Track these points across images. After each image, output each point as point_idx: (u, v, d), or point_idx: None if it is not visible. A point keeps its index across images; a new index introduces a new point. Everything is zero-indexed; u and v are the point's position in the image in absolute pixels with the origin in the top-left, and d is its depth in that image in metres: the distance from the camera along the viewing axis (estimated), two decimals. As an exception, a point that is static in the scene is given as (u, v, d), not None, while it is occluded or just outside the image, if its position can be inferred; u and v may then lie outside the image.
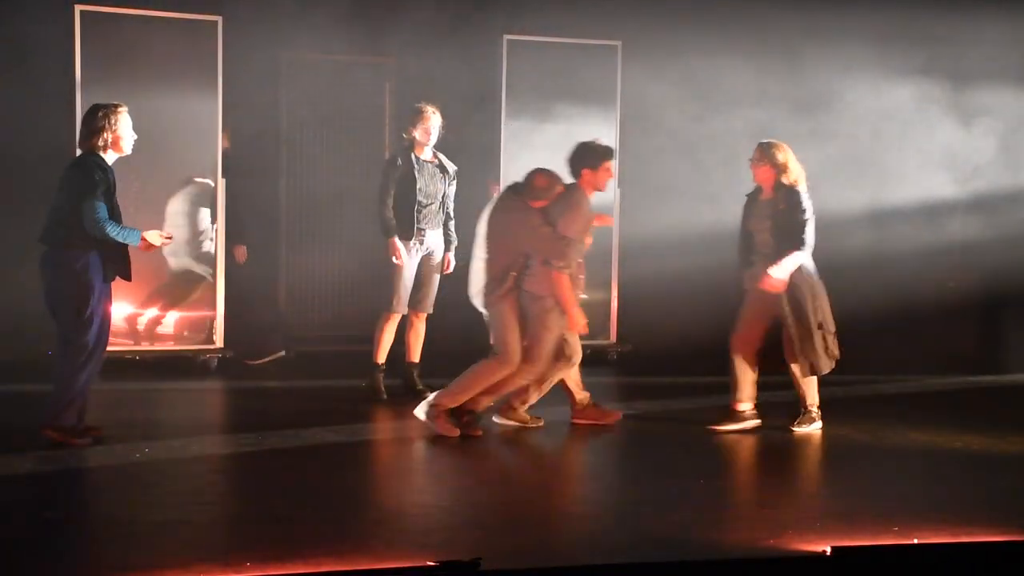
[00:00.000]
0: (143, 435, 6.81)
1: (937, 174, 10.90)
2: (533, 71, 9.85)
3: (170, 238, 6.67)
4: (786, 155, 7.16)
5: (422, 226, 7.84)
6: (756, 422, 7.15)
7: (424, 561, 4.34)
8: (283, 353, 9.41)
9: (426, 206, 7.85)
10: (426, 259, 7.94)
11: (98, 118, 6.37)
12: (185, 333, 9.06)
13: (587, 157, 7.08)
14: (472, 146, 10.01)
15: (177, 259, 9.06)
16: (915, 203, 10.97)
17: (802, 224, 7.02)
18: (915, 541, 4.78)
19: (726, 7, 10.52)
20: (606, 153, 7.10)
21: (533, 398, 7.10)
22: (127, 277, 6.47)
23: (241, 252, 9.24)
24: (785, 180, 7.11)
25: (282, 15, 9.87)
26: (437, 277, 8.01)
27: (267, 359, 9.30)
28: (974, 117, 10.89)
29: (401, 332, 8.04)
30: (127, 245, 6.36)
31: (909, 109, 10.84)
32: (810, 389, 7.20)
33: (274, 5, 9.74)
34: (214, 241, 9.04)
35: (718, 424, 7.14)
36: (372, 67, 10.66)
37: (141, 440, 6.60)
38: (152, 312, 8.96)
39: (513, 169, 9.75)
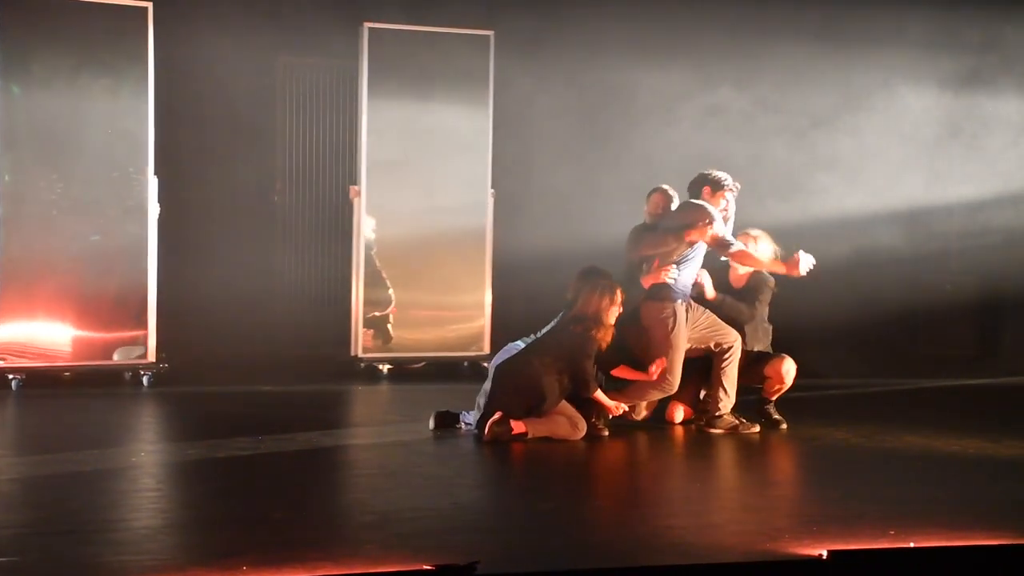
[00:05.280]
0: (139, 439, 6.80)
1: (928, 178, 10.90)
2: (398, 62, 9.23)
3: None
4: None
5: None
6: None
7: (420, 565, 4.33)
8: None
9: None
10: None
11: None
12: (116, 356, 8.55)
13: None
14: (330, 144, 9.77)
15: None
16: (909, 208, 10.96)
17: None
18: (912, 545, 4.77)
19: None
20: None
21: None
22: None
23: None
24: None
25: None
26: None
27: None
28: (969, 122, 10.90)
29: None
30: None
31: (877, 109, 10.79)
32: None
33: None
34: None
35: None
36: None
37: (137, 443, 6.58)
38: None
39: (376, 169, 9.25)
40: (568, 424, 6.83)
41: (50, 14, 8.29)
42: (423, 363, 9.49)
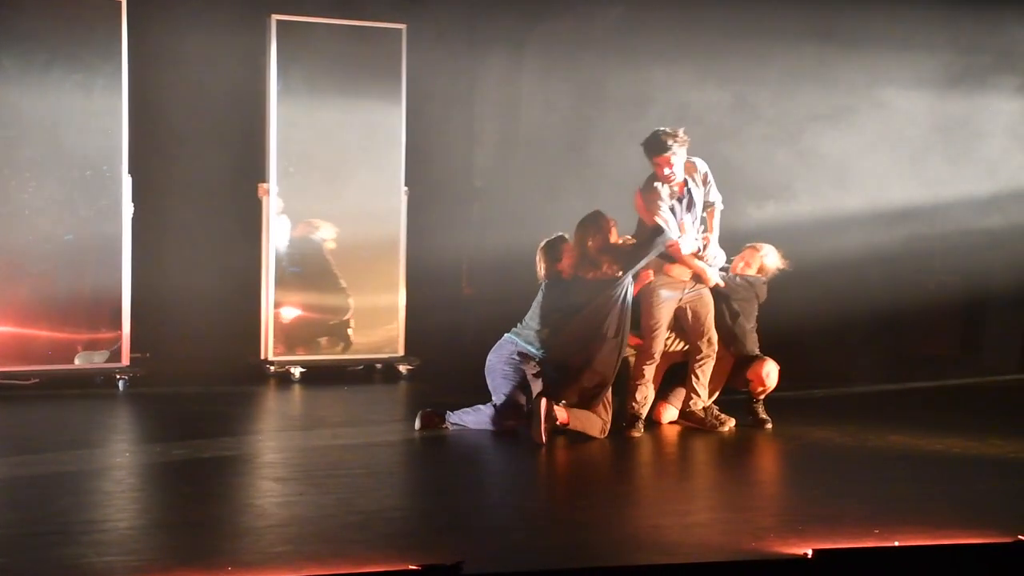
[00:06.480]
0: (122, 439, 6.77)
1: (915, 179, 10.91)
2: (307, 55, 8.96)
3: None
4: None
5: None
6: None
7: (406, 564, 4.32)
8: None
9: None
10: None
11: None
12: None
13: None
14: (237, 138, 9.45)
15: None
16: (894, 209, 10.96)
17: None
18: (896, 543, 4.78)
19: None
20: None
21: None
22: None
23: None
24: None
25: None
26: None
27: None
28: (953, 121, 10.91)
29: None
30: None
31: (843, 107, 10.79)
32: None
33: None
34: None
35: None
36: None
37: (120, 444, 6.56)
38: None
39: (285, 164, 8.96)
40: (601, 425, 6.94)
41: (21, 7, 8.11)
42: (361, 366, 9.24)
